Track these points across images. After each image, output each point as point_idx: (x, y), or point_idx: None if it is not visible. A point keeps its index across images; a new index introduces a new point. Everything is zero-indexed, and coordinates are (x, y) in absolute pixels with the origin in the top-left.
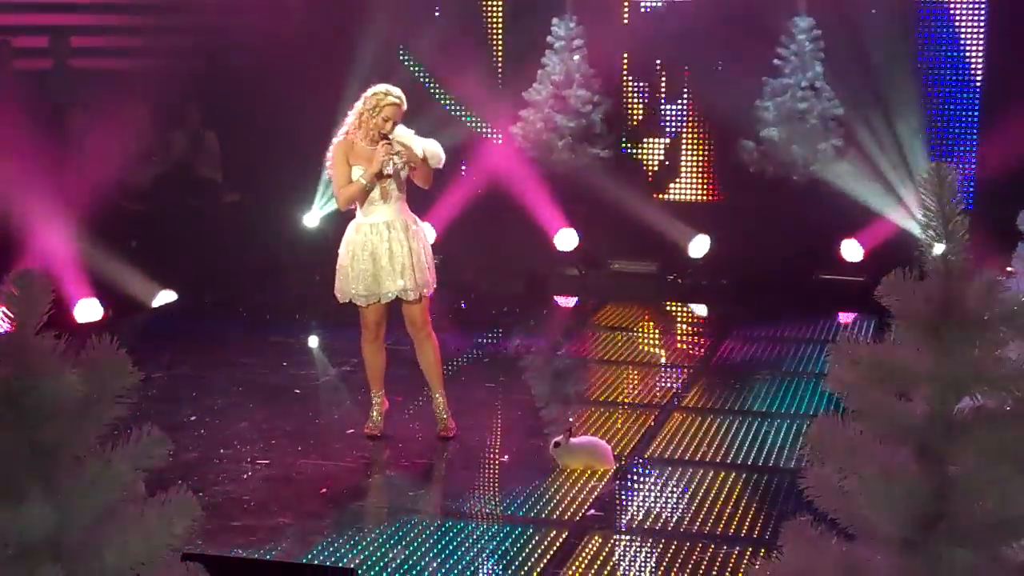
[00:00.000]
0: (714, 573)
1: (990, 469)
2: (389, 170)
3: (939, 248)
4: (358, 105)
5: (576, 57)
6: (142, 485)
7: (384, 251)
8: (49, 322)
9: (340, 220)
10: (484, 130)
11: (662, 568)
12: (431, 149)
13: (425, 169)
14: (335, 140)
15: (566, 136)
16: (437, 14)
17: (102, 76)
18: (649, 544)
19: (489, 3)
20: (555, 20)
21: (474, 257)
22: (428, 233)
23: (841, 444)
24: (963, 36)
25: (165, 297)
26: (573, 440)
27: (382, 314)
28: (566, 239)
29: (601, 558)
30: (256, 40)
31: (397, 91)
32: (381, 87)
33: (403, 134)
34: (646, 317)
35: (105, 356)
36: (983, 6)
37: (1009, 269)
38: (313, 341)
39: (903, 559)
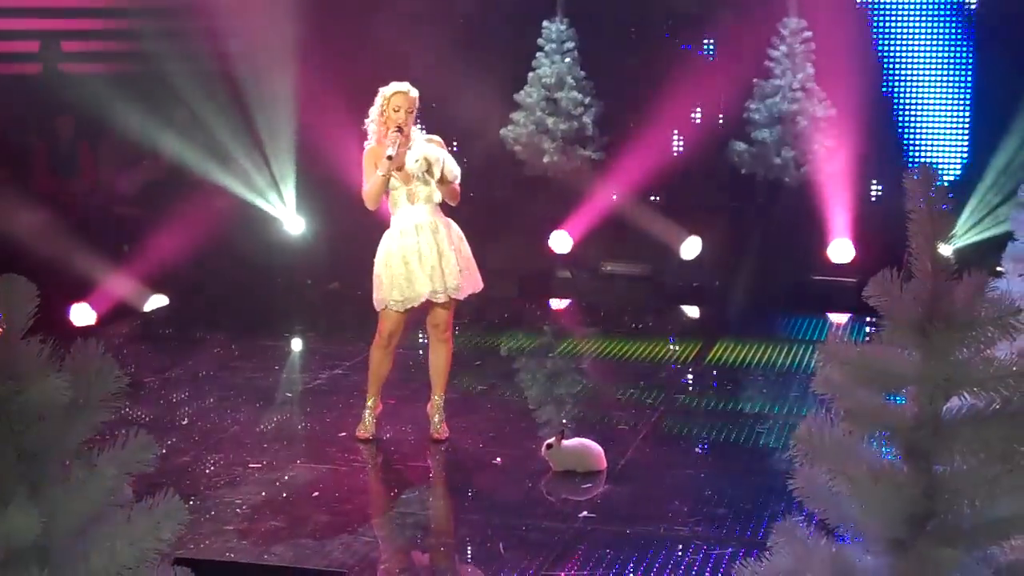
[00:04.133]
0: (707, 574)
1: (978, 469)
2: (391, 151)
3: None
4: (374, 109)
5: (567, 60)
6: (129, 489)
7: (414, 254)
8: (39, 326)
9: (329, 225)
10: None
11: (654, 570)
12: (447, 161)
13: (444, 181)
14: (366, 146)
15: (558, 139)
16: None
17: (92, 80)
18: (641, 545)
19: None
20: (546, 23)
21: None
22: None
23: (830, 445)
24: (953, 33)
25: (157, 301)
26: (565, 442)
27: (400, 323)
28: (560, 241)
29: (593, 560)
30: (248, 43)
31: (404, 84)
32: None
33: (421, 141)
34: (638, 319)
35: (91, 361)
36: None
37: (999, 269)
38: (305, 344)
39: (892, 559)
